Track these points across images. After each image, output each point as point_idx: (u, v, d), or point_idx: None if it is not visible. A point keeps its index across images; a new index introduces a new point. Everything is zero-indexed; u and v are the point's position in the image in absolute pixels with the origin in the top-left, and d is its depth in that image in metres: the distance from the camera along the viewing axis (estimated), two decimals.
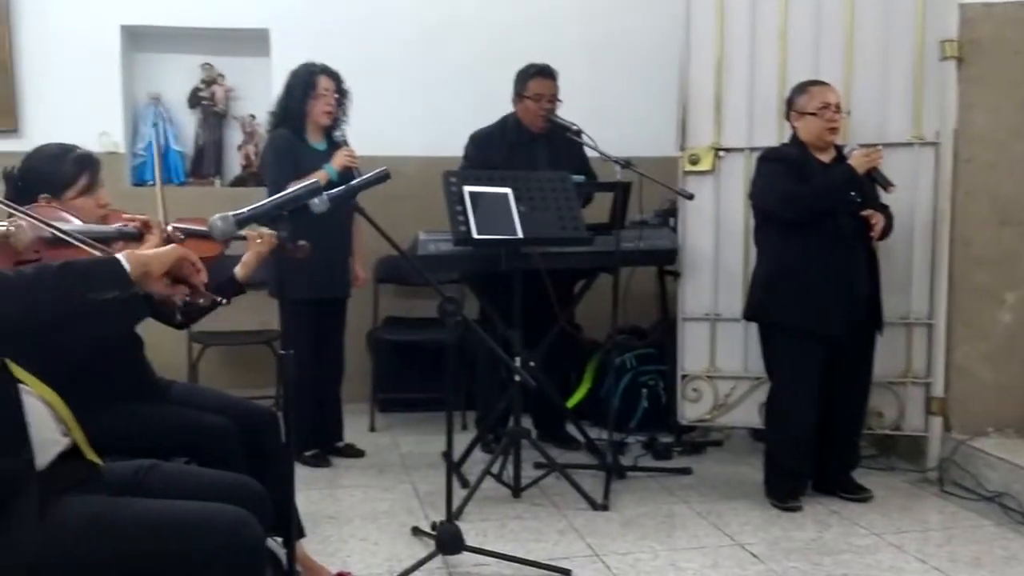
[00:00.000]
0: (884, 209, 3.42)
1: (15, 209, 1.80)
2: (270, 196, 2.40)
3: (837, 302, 3.30)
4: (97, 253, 1.78)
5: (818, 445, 3.47)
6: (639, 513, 3.35)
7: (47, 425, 1.71)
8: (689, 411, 4.10)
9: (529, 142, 4.08)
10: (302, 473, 3.67)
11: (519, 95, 4.07)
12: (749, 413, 4.00)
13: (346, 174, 3.67)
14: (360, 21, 4.97)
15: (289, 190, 2.17)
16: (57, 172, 2.25)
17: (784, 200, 3.34)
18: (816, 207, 3.30)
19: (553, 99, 4.03)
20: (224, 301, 1.92)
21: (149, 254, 1.59)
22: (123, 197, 2.51)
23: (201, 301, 1.70)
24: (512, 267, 3.41)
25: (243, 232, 2.40)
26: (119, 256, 1.55)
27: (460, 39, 5.05)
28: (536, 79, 4.03)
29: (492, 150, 4.03)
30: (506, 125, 4.11)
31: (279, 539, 2.10)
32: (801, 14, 3.83)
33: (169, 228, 2.28)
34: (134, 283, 1.53)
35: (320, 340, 3.91)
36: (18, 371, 1.68)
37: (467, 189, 3.30)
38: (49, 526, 1.56)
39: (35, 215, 1.81)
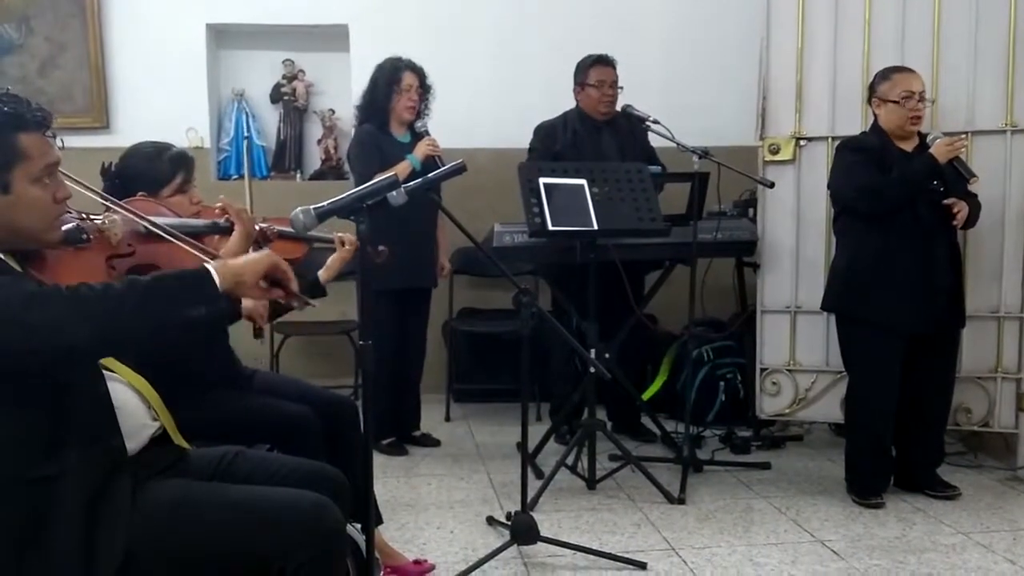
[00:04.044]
0: (972, 198, 3.30)
1: (114, 203, 1.86)
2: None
3: (916, 296, 3.21)
4: (188, 248, 1.83)
5: (901, 441, 3.39)
6: (716, 507, 3.32)
7: (137, 411, 1.78)
8: (768, 405, 4.03)
9: (593, 130, 4.08)
10: (379, 461, 3.74)
11: (580, 84, 4.08)
12: (830, 407, 3.91)
13: (429, 163, 3.72)
14: (436, 15, 5.01)
15: (368, 183, 2.21)
16: (154, 171, 2.32)
17: (862, 192, 3.25)
18: (894, 199, 3.21)
19: (614, 85, 4.03)
20: (315, 304, 1.92)
21: (240, 263, 1.54)
22: (208, 191, 2.58)
23: (295, 304, 1.66)
24: (587, 259, 3.40)
25: (330, 237, 2.47)
26: (210, 268, 1.50)
27: (536, 31, 5.04)
28: (597, 67, 4.05)
29: (556, 141, 4.04)
30: (567, 118, 4.11)
31: (358, 525, 2.14)
32: None
33: (264, 225, 2.33)
34: (222, 297, 1.49)
35: (404, 329, 3.97)
36: (108, 359, 1.74)
37: (542, 181, 3.30)
38: (141, 509, 1.61)
39: (130, 208, 1.87)
